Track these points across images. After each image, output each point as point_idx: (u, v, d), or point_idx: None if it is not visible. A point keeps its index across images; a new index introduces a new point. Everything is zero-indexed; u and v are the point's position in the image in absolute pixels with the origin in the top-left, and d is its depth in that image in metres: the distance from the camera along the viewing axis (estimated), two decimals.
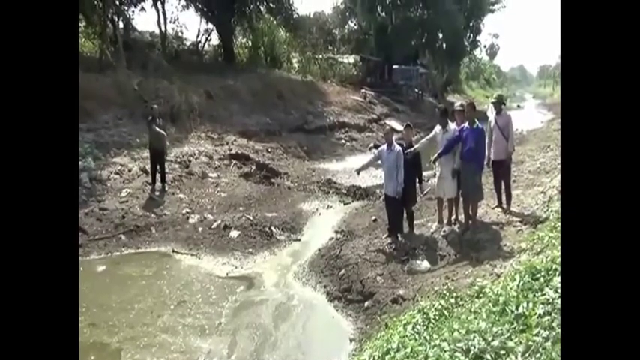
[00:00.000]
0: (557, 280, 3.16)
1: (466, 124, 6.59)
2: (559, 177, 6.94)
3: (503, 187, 7.13)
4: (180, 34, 23.17)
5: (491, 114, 7.40)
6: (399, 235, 7.07)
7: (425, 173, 8.05)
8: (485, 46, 69.14)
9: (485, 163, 6.89)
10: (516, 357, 2.62)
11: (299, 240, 8.44)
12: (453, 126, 6.91)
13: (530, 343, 2.67)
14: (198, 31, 24.75)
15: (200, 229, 8.59)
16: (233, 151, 14.07)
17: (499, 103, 7.23)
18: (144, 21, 75.29)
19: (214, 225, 8.67)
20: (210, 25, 23.45)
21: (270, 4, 23.92)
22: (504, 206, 7.06)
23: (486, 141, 6.85)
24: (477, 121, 6.59)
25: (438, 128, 7.11)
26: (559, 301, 2.83)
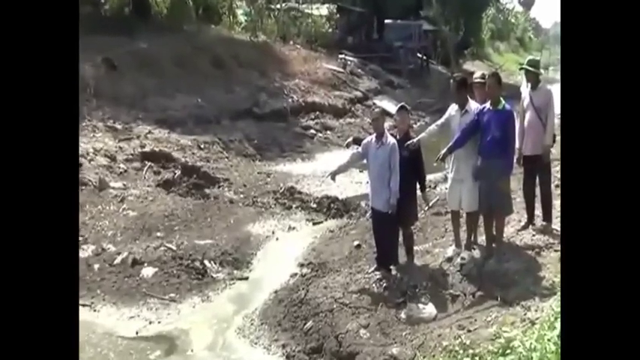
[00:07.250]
0: None
1: (488, 104, 6.67)
2: None
3: (539, 195, 7.24)
4: None
5: (525, 89, 7.46)
6: (392, 267, 7.14)
7: (430, 177, 8.14)
8: None
9: (515, 159, 7.01)
10: None
11: (246, 279, 8.47)
12: (474, 105, 6.91)
13: None
14: None
15: (96, 266, 8.49)
16: (147, 149, 14.02)
17: (534, 73, 7.21)
18: None
19: (118, 259, 8.59)
20: None
21: None
22: (542, 224, 7.18)
23: (517, 127, 6.91)
24: (503, 100, 6.66)
25: (453, 109, 7.10)
26: None
